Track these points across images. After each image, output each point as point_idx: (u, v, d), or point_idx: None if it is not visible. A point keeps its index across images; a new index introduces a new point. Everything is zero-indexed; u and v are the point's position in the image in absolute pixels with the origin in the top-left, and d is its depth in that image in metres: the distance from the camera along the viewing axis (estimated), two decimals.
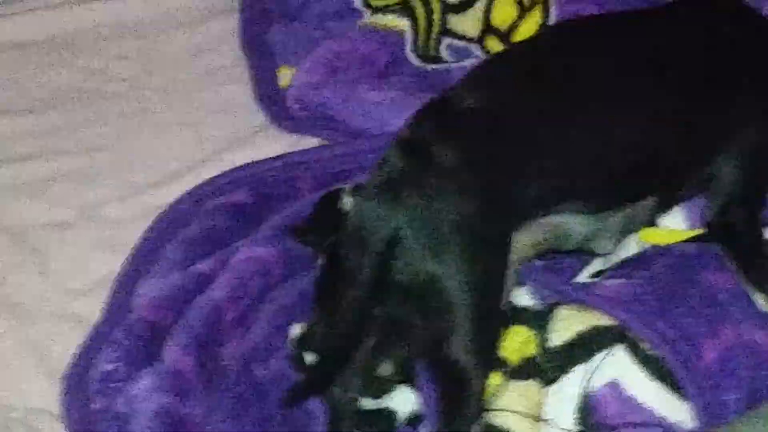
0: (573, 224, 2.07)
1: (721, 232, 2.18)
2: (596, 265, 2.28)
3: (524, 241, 2.03)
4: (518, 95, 2.00)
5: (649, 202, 2.14)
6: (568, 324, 2.10)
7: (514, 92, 2.01)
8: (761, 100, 2.16)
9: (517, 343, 2.13)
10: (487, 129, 1.96)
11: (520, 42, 2.23)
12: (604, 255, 2.20)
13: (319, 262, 2.39)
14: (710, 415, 2.03)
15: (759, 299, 2.14)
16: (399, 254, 1.89)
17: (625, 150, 2.03)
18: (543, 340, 2.11)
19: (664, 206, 2.20)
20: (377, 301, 1.96)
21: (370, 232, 1.90)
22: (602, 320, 2.10)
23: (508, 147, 1.95)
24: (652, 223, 2.24)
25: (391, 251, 1.89)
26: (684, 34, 2.15)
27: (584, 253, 2.19)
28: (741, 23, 2.22)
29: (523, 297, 2.19)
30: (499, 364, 2.11)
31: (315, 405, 2.24)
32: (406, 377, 2.18)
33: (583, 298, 2.14)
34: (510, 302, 2.15)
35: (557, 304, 2.15)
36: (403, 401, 2.19)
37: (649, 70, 2.07)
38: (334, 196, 2.46)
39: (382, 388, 2.19)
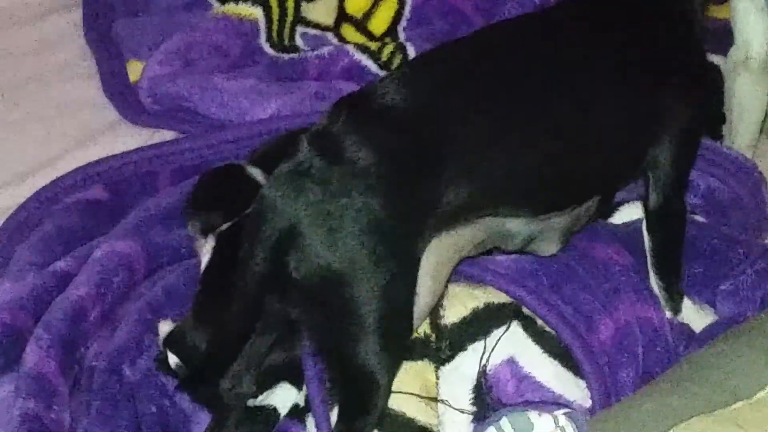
0: (513, 226, 1.99)
1: (663, 219, 2.15)
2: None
3: (462, 238, 1.94)
4: (444, 96, 1.89)
5: (593, 201, 2.09)
6: (461, 300, 2.04)
7: (439, 93, 1.89)
8: (685, 84, 2.12)
9: None
10: (407, 128, 1.84)
11: (452, 42, 2.13)
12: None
13: (206, 249, 2.31)
14: (606, 393, 2.02)
15: (654, 283, 2.15)
16: (295, 249, 1.79)
17: (561, 157, 1.95)
18: (436, 318, 2.05)
19: (606, 202, 2.17)
20: (270, 296, 1.87)
21: (266, 222, 1.80)
22: (496, 297, 2.06)
23: (430, 148, 1.83)
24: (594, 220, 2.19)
25: (288, 245, 1.80)
26: (608, 28, 2.06)
27: (528, 254, 2.11)
28: (653, 11, 2.18)
29: None
30: None
31: (190, 405, 2.17)
32: (286, 373, 2.11)
33: (475, 273, 2.09)
34: None
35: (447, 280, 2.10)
36: (284, 397, 2.12)
37: (580, 71, 2.00)
38: (221, 174, 2.38)
39: (263, 385, 2.11)
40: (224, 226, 2.27)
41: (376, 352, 1.81)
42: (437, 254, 1.91)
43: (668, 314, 2.15)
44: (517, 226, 2.00)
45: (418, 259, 1.86)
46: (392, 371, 1.86)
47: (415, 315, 1.91)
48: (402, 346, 1.89)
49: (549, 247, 2.08)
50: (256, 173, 2.36)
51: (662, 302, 2.15)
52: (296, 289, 1.82)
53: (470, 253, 2.02)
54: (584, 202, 2.05)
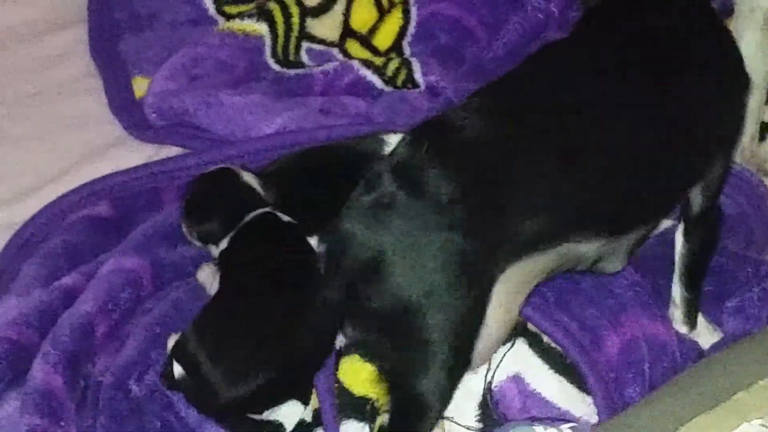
0: (586, 249, 2.00)
1: (703, 224, 2.18)
2: None
3: (537, 266, 1.95)
4: (517, 126, 1.90)
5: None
6: None
7: (513, 122, 1.91)
8: (736, 91, 2.18)
9: None
10: (486, 160, 1.86)
11: (518, 69, 2.11)
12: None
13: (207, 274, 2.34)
14: (612, 409, 2.01)
15: (677, 294, 2.17)
16: (376, 280, 1.82)
17: (637, 180, 1.97)
18: None
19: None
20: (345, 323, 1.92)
21: (349, 252, 1.83)
22: None
23: (508, 180, 1.86)
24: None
25: (368, 276, 1.82)
26: (662, 45, 2.08)
27: (593, 274, 2.12)
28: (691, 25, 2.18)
29: None
30: None
31: (196, 420, 2.17)
32: (293, 392, 2.12)
33: None
34: None
35: None
36: (291, 413, 2.12)
37: (647, 92, 2.01)
38: (214, 178, 2.38)
39: (273, 399, 2.11)
40: (223, 243, 2.29)
41: (437, 383, 1.83)
42: (512, 284, 1.92)
43: (684, 329, 2.16)
44: (590, 249, 2.00)
45: (490, 291, 1.87)
46: (447, 402, 1.88)
47: (487, 346, 1.92)
48: (460, 377, 1.89)
49: (615, 264, 2.09)
50: (252, 180, 2.36)
51: (679, 316, 2.15)
52: (368, 317, 1.85)
53: (541, 280, 2.02)
54: (653, 222, 2.10)
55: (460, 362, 1.86)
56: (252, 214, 2.28)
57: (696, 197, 2.14)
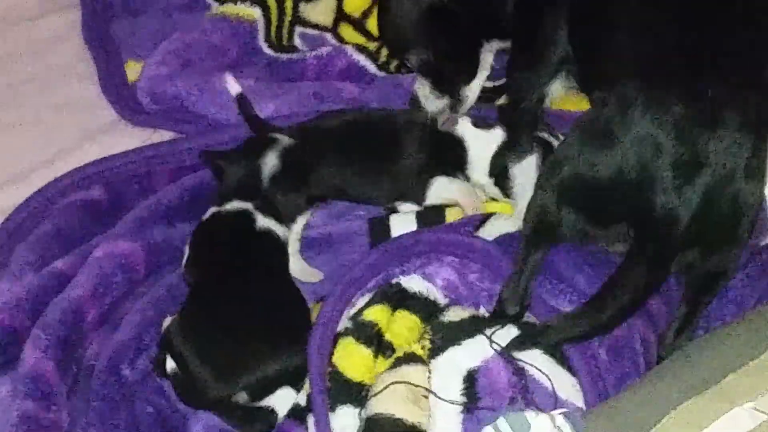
0: None
1: None
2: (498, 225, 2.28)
3: None
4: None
5: None
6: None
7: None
8: None
9: (405, 329, 2.10)
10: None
11: None
12: None
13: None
14: (598, 392, 2.03)
15: None
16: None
17: None
18: (436, 314, 2.10)
19: None
20: None
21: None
22: None
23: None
24: None
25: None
26: None
27: None
28: None
29: (413, 281, 2.16)
30: (386, 347, 2.08)
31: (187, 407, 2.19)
32: (285, 380, 2.14)
33: None
34: (398, 284, 2.14)
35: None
36: (282, 399, 2.14)
37: None
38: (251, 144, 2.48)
39: (262, 393, 2.13)
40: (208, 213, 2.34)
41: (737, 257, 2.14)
42: None
43: None
44: None
45: None
46: None
47: None
48: None
49: None
50: (268, 163, 2.41)
51: None
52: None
53: None
54: None
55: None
56: (230, 205, 2.31)
57: None
